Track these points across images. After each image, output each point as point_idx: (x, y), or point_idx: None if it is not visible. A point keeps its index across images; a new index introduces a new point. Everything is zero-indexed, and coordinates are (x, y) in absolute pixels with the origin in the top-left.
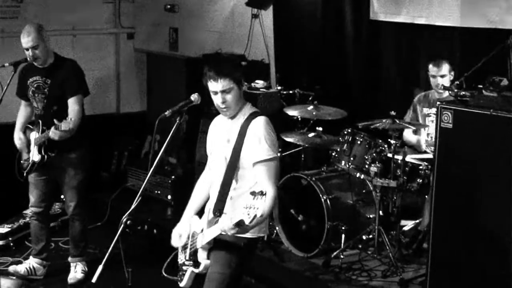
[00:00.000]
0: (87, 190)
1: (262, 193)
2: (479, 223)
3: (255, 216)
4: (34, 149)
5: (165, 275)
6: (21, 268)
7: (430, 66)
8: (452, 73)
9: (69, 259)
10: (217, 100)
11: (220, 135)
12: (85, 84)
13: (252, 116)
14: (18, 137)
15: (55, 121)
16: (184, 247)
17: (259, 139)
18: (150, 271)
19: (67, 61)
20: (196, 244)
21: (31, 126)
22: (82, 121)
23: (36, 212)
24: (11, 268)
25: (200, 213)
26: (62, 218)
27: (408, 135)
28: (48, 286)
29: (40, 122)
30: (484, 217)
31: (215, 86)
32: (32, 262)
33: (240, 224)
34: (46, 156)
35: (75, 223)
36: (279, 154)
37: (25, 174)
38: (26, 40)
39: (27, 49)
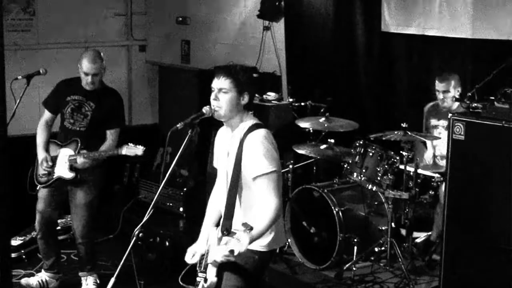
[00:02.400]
0: (97, 212)
1: (250, 229)
2: (492, 235)
3: (239, 251)
4: (65, 165)
5: (181, 283)
6: (33, 281)
7: (436, 80)
8: (459, 88)
9: (80, 273)
10: (211, 96)
11: (221, 148)
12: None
13: (250, 129)
14: (45, 159)
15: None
16: (201, 259)
17: (257, 154)
18: (162, 283)
19: (113, 90)
20: (207, 259)
21: (57, 141)
22: None
23: (41, 228)
24: (23, 281)
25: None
26: (70, 233)
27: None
28: None
29: (79, 141)
30: (497, 229)
31: (214, 82)
32: (44, 275)
33: (232, 253)
34: (78, 175)
35: (81, 246)
36: (289, 167)
37: (38, 188)
38: (91, 67)
39: (87, 75)
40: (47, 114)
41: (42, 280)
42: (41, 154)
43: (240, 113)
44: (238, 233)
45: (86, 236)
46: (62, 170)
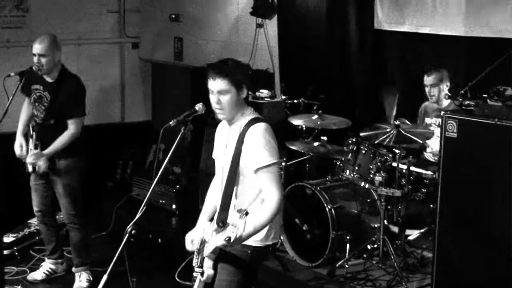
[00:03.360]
0: (84, 199)
1: (246, 213)
2: (485, 232)
3: (236, 236)
4: (28, 158)
5: (178, 280)
6: (39, 275)
7: (424, 76)
8: (448, 83)
9: (73, 269)
10: (212, 99)
11: (220, 141)
12: (84, 104)
13: (251, 123)
14: (19, 144)
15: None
16: (197, 253)
17: (258, 146)
18: (154, 280)
19: (70, 78)
20: (203, 252)
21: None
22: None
23: (39, 215)
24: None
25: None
26: (66, 227)
27: None
28: None
29: (35, 135)
30: (490, 226)
31: (212, 85)
32: (47, 265)
33: (229, 240)
34: (36, 168)
35: (72, 233)
36: (282, 161)
37: (27, 172)
38: (37, 47)
39: (35, 55)
40: (26, 99)
41: (47, 270)
42: (17, 140)
43: (240, 108)
44: (234, 220)
45: (73, 221)
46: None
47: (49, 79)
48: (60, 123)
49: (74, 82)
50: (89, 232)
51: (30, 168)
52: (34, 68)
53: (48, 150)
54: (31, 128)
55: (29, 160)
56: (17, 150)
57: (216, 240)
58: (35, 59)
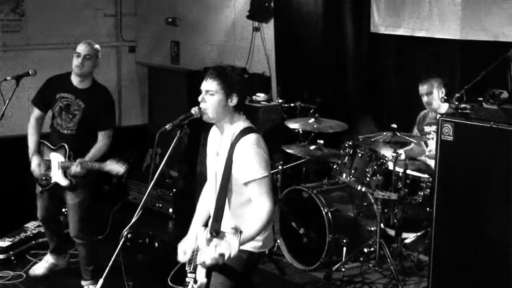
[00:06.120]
0: (90, 213)
1: (240, 232)
2: (480, 235)
3: (230, 254)
4: (58, 171)
5: (171, 284)
6: (40, 270)
7: (419, 85)
8: (443, 90)
9: (82, 282)
10: (199, 98)
11: (211, 147)
12: (116, 116)
13: (242, 134)
14: (37, 164)
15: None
16: (190, 259)
17: (248, 159)
18: (151, 284)
19: (102, 88)
20: (196, 260)
21: (48, 144)
22: None
23: (44, 223)
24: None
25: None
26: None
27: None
28: None
29: (67, 146)
30: (486, 229)
31: (203, 84)
32: (49, 258)
33: (223, 257)
34: (73, 181)
35: (79, 246)
36: (278, 168)
37: (40, 189)
38: (85, 48)
39: (79, 56)
40: (36, 112)
41: (50, 265)
42: (34, 159)
43: (229, 114)
44: (228, 237)
45: (79, 236)
46: (57, 176)
47: (80, 86)
48: (90, 134)
49: (106, 92)
50: (97, 247)
51: (64, 182)
52: (30, 72)
53: (89, 158)
54: (46, 142)
55: (78, 170)
56: (37, 170)
57: (209, 254)
58: (78, 60)
